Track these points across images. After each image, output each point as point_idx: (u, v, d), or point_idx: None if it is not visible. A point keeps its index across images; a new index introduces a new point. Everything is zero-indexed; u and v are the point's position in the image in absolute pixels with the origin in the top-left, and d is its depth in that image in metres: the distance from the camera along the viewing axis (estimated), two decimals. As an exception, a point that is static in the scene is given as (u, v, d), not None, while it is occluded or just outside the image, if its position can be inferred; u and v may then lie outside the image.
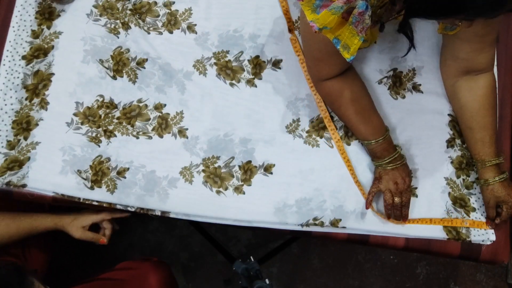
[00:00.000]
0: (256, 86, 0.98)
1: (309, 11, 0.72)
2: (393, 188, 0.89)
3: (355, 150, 0.96)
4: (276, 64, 0.99)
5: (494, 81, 0.89)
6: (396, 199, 0.89)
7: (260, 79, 0.98)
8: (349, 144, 0.96)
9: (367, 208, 0.92)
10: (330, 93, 0.88)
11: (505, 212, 0.89)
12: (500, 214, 0.90)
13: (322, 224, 0.92)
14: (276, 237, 1.55)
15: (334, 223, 0.92)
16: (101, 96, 0.96)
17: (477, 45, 0.84)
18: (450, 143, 0.97)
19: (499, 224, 0.93)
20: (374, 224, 0.93)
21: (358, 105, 0.88)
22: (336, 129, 0.96)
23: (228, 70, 0.99)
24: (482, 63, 0.86)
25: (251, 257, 0.92)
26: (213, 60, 0.99)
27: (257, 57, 0.99)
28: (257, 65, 0.99)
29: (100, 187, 0.92)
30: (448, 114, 0.98)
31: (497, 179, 0.87)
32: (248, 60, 0.99)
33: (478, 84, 0.88)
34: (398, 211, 0.90)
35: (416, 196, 0.95)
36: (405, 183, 0.88)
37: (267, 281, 0.84)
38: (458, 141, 0.97)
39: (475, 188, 0.96)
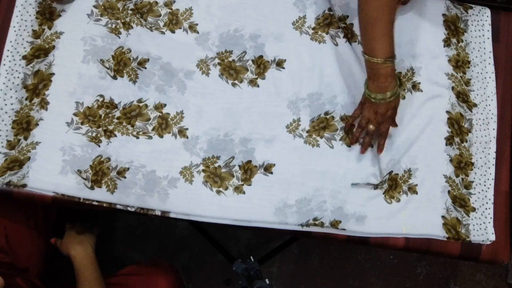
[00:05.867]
0: (258, 86, 0.98)
1: None
2: (372, 116, 0.90)
3: (355, 151, 0.96)
4: (280, 64, 0.99)
5: None
6: (371, 126, 0.90)
7: (263, 78, 0.99)
8: (349, 146, 0.96)
9: (346, 128, 0.95)
10: None
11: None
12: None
13: (322, 225, 0.92)
14: (276, 237, 1.56)
15: (334, 224, 0.92)
16: (101, 96, 0.96)
17: None
18: (448, 141, 0.98)
19: (499, 224, 0.94)
20: (374, 228, 0.93)
21: (393, 17, 0.84)
22: (336, 129, 0.97)
23: (231, 70, 0.99)
24: None
25: (251, 257, 0.92)
26: (217, 60, 0.99)
27: (261, 57, 0.99)
28: (261, 65, 0.99)
29: (100, 187, 0.92)
30: (446, 111, 0.99)
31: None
32: (252, 60, 0.99)
33: None
34: (367, 139, 0.91)
35: (416, 193, 0.96)
36: (386, 114, 0.89)
37: (267, 281, 0.84)
38: (456, 139, 0.98)
39: (474, 188, 0.96)
